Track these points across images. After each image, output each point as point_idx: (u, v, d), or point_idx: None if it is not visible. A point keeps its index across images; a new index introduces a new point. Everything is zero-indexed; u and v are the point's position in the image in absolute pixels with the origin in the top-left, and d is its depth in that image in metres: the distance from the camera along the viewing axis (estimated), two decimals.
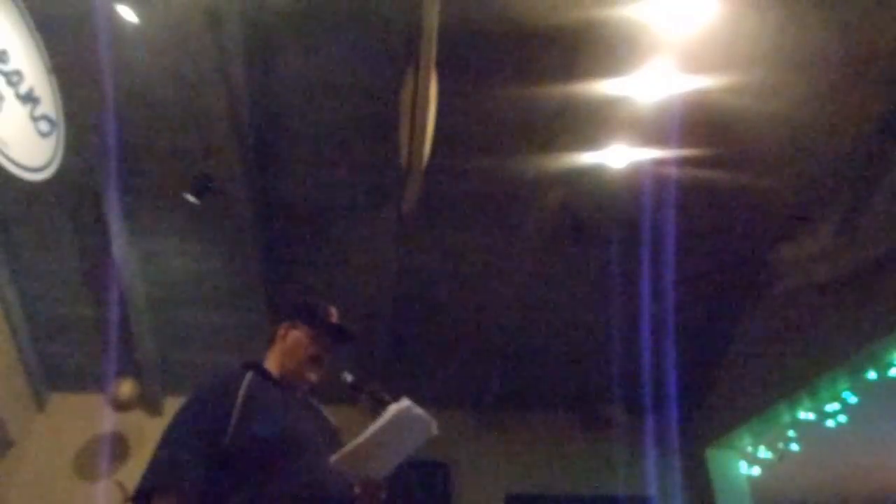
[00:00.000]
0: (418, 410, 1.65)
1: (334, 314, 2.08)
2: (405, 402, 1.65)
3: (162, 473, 1.65)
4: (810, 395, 4.34)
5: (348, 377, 1.96)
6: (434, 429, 1.68)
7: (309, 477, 1.72)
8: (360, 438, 1.62)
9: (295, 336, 2.01)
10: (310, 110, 3.74)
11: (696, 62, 3.30)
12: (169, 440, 1.72)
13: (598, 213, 4.24)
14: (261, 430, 1.73)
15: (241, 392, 1.78)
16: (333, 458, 1.62)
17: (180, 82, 3.56)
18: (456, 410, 5.27)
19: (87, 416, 4.93)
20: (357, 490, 1.71)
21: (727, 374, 5.10)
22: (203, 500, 1.64)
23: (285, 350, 2.00)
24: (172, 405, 4.93)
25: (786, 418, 4.63)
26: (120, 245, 4.18)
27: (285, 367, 1.98)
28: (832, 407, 4.39)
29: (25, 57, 2.76)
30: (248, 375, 1.86)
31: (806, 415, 4.54)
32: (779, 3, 3.14)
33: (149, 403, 4.98)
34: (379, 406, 1.73)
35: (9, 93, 2.61)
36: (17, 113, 2.66)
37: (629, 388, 5.08)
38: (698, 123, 3.59)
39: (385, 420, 1.62)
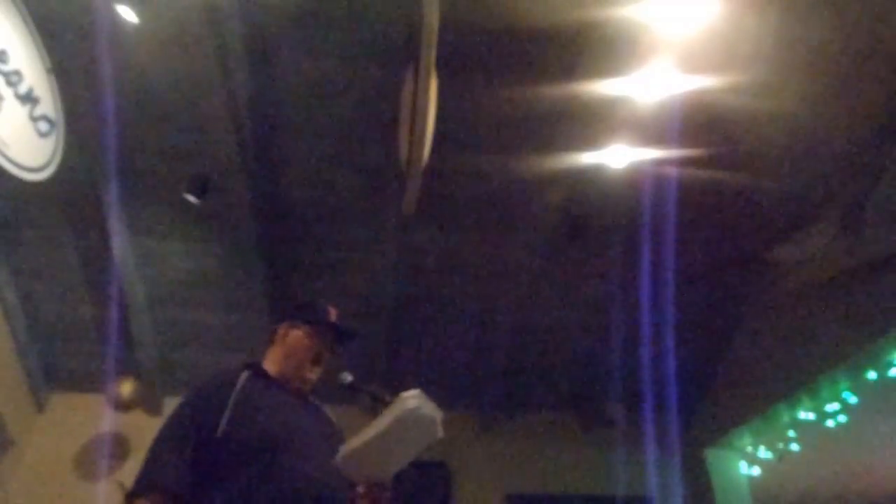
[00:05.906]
0: (426, 410, 1.59)
1: (333, 314, 2.08)
2: (414, 402, 1.58)
3: (147, 473, 1.68)
4: (810, 395, 4.33)
5: (348, 377, 1.96)
6: (440, 430, 1.62)
7: (300, 476, 1.71)
8: (366, 436, 1.57)
9: (295, 336, 2.01)
10: (310, 110, 3.74)
11: (696, 62, 3.30)
12: (158, 440, 1.76)
13: (598, 213, 4.24)
14: (252, 427, 1.73)
15: (236, 389, 1.80)
16: (339, 455, 1.60)
17: (180, 82, 3.56)
18: (456, 411, 5.27)
19: (87, 416, 4.93)
20: (361, 490, 1.67)
21: (727, 374, 5.09)
22: (190, 498, 1.65)
23: (285, 350, 2.00)
24: (172, 405, 4.90)
25: (786, 418, 4.63)
26: (120, 245, 4.19)
27: (285, 366, 1.98)
28: (832, 407, 4.38)
29: (25, 57, 2.76)
30: (245, 374, 1.88)
31: (806, 415, 4.53)
32: (779, 3, 3.13)
33: (149, 403, 4.97)
34: (379, 406, 1.69)
35: (8, 93, 2.62)
36: (16, 113, 2.67)
37: (629, 388, 5.08)
38: (698, 123, 3.59)
39: (393, 416, 1.57)
